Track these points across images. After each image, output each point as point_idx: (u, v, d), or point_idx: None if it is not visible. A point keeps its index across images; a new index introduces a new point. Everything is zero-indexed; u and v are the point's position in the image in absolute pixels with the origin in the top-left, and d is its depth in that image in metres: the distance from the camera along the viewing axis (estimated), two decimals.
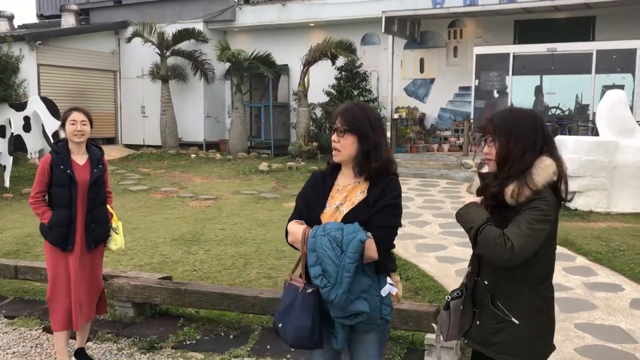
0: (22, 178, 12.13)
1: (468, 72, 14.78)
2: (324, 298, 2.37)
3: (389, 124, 14.22)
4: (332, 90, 15.32)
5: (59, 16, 18.87)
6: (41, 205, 3.99)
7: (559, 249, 6.90)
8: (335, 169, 2.63)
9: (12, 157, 11.56)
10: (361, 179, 2.55)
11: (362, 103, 2.71)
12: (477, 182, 2.60)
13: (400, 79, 15.86)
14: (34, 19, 21.30)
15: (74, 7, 18.69)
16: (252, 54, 15.91)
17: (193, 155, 16.04)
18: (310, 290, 2.42)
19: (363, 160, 2.53)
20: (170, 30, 16.77)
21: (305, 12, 16.19)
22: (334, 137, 2.56)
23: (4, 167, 11.57)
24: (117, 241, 4.14)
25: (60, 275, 3.96)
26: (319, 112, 16.01)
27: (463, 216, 2.45)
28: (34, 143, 11.99)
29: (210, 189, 11.57)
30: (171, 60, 17.27)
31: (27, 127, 11.83)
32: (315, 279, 2.35)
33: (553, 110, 14.79)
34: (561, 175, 2.39)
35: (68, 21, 18.49)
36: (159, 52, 16.68)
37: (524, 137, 2.34)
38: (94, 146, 4.23)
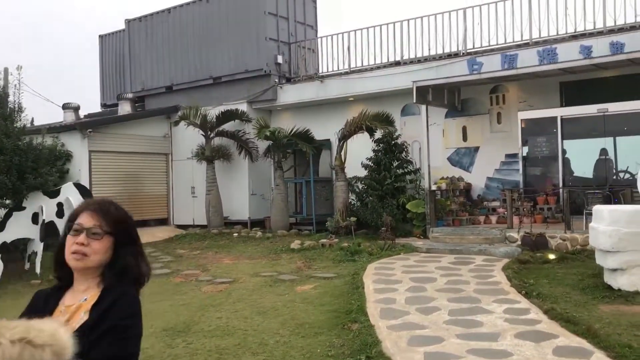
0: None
1: (514, 139, 13.92)
2: None
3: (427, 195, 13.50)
4: (370, 163, 14.86)
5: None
6: None
7: (576, 343, 5.90)
8: (65, 285, 2.15)
9: (42, 244, 11.81)
10: (94, 293, 2.06)
11: (112, 200, 2.25)
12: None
13: (443, 149, 15.18)
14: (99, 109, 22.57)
15: (130, 95, 19.64)
16: (291, 130, 15.87)
17: (235, 234, 15.90)
18: None
19: (119, 270, 2.06)
20: (214, 112, 17.18)
21: (343, 87, 16.09)
22: (81, 238, 2.08)
23: (36, 253, 11.83)
24: None
25: None
26: (361, 186, 15.52)
27: None
28: None
29: (232, 270, 11.23)
30: (217, 141, 17.58)
31: (60, 213, 12.14)
32: None
33: (622, 175, 13.53)
34: None
35: (124, 109, 19.41)
36: (203, 133, 17.03)
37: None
38: None
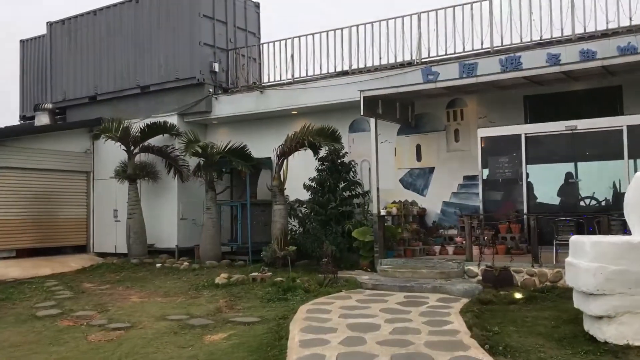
0: None
1: (473, 159, 12.38)
2: None
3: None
4: (313, 184, 13.09)
5: None
6: None
7: None
8: None
9: None
10: None
11: None
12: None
13: (395, 169, 13.54)
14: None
15: (49, 105, 17.46)
16: (225, 146, 14.00)
17: (158, 265, 13.80)
18: None
19: None
20: (140, 125, 15.19)
21: (285, 99, 14.35)
22: None
23: None
24: None
25: None
26: (304, 210, 13.71)
27: None
28: None
29: (135, 312, 9.17)
30: (143, 157, 15.56)
31: None
32: None
33: (587, 201, 12.05)
34: None
35: (41, 120, 17.26)
36: (125, 148, 15.00)
37: None
38: None
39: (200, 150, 13.68)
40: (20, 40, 19.94)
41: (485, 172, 12.23)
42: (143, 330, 7.97)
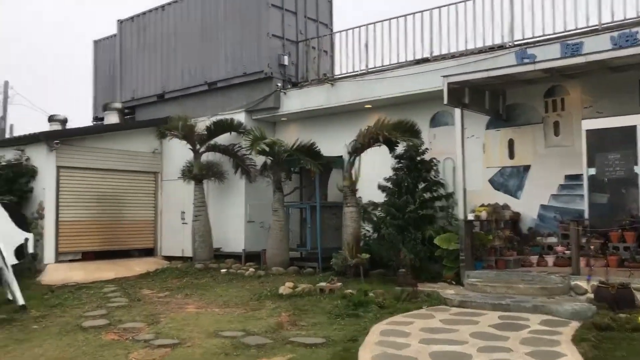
0: None
1: (576, 155, 10.62)
2: None
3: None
4: (388, 185, 11.75)
5: None
6: None
7: None
8: None
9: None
10: None
11: None
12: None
13: (484, 168, 11.95)
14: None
15: (117, 105, 17.08)
16: (293, 144, 12.93)
17: (223, 271, 12.93)
18: None
19: None
20: (205, 123, 14.43)
21: (358, 91, 13.06)
22: None
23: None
24: None
25: None
26: (378, 214, 12.40)
27: None
28: None
29: (188, 325, 8.18)
30: (211, 157, 14.77)
31: None
32: None
33: None
34: None
35: (110, 120, 16.88)
36: (191, 147, 14.26)
37: None
38: None
39: (266, 148, 12.65)
40: (93, 41, 19.82)
41: (592, 170, 10.44)
42: (190, 350, 6.93)
